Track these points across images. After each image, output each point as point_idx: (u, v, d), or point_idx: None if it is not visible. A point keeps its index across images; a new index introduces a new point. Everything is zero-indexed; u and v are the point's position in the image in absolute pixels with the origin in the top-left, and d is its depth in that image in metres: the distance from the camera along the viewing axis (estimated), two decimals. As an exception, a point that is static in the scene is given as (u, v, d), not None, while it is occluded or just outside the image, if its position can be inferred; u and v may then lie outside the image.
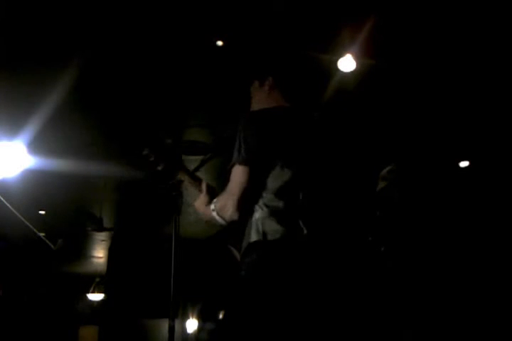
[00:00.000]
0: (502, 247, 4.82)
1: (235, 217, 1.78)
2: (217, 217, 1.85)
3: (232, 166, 1.82)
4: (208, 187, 2.06)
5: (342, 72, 3.54)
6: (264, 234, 1.73)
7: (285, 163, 1.82)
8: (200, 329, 8.71)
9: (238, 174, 1.79)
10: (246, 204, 1.78)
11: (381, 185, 2.93)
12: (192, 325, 8.81)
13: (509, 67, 3.70)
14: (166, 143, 2.20)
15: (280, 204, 1.77)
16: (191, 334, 8.78)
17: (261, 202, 1.78)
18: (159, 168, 2.18)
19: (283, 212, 1.76)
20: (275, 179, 1.80)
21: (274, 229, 1.73)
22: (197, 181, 2.10)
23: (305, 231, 1.74)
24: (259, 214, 1.77)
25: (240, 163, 1.79)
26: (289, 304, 1.66)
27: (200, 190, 2.06)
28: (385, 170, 2.96)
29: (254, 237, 1.75)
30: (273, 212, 1.76)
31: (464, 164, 5.22)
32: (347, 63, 3.48)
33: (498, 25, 3.29)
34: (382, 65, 3.62)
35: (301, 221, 1.76)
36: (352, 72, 3.56)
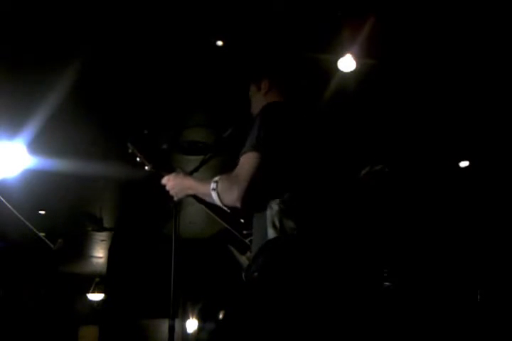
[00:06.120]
0: (502, 247, 4.82)
1: (238, 204, 1.64)
2: (215, 197, 1.69)
3: (244, 153, 1.67)
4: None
5: (342, 72, 3.55)
6: (283, 231, 1.63)
7: (304, 158, 1.74)
8: (200, 329, 8.70)
9: (253, 161, 1.64)
10: (254, 195, 1.64)
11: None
12: (192, 325, 8.81)
13: (509, 67, 3.70)
14: (152, 142, 2.13)
15: (297, 202, 1.67)
16: (191, 334, 8.78)
17: (277, 198, 1.67)
18: (147, 168, 2.13)
19: (300, 210, 1.67)
20: (294, 175, 1.70)
21: (291, 227, 1.63)
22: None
23: (322, 231, 1.67)
24: (275, 210, 1.66)
25: (258, 150, 1.64)
26: (309, 306, 1.57)
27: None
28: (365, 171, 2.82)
29: (271, 234, 1.64)
30: (290, 210, 1.65)
31: (463, 164, 5.21)
32: (347, 63, 3.49)
33: (498, 25, 3.29)
34: (382, 65, 3.62)
35: (318, 220, 1.69)
36: (352, 72, 3.56)
